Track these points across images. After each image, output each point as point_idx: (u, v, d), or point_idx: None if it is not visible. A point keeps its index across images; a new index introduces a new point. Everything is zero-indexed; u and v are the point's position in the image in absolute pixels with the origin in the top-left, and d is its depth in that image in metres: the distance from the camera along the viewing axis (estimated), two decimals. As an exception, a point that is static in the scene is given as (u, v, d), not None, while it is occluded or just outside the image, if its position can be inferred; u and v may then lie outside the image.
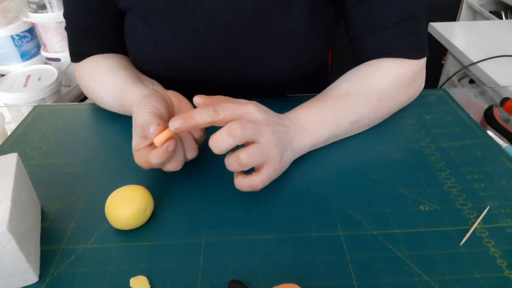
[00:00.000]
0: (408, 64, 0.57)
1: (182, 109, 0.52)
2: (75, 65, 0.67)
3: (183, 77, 0.63)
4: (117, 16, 0.63)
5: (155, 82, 0.58)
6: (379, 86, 0.55)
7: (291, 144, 0.48)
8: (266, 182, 0.45)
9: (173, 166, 0.47)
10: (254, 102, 0.45)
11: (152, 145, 0.46)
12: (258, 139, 0.43)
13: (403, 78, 0.57)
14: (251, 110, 0.44)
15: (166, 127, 0.44)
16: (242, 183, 0.45)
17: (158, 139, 0.44)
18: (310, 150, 0.52)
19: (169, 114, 0.50)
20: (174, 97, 0.52)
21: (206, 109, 0.42)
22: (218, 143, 0.42)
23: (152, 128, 0.44)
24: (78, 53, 0.65)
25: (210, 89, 0.65)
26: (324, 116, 0.52)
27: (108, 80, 0.59)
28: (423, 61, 0.59)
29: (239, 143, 0.42)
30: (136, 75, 0.60)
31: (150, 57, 0.62)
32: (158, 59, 0.61)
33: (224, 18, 0.57)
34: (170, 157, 0.45)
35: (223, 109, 0.42)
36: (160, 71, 0.63)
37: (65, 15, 0.64)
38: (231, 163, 0.44)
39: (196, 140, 0.49)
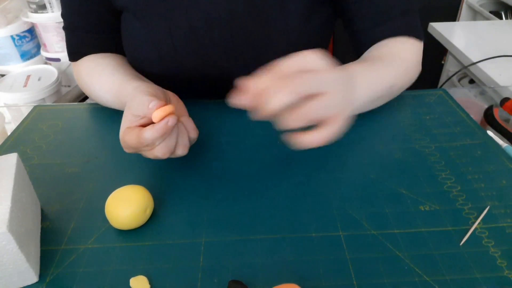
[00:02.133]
0: (417, 44, 0.59)
1: (178, 111, 0.52)
2: (73, 63, 0.67)
3: (180, 75, 0.63)
4: (114, 16, 0.63)
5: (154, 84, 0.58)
6: (404, 55, 0.57)
7: (353, 92, 0.42)
8: (342, 131, 0.38)
9: (161, 151, 0.43)
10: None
11: (143, 126, 0.44)
12: (325, 90, 0.36)
13: (415, 55, 0.59)
14: (309, 60, 0.37)
15: (165, 104, 0.43)
16: (317, 137, 0.37)
17: (157, 114, 0.42)
18: (360, 110, 0.52)
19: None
20: (173, 97, 0.52)
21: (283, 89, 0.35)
22: (274, 97, 0.34)
23: (152, 103, 0.42)
24: (76, 53, 0.65)
25: (207, 87, 0.65)
26: (373, 72, 0.51)
27: (107, 77, 0.59)
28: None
29: (297, 96, 0.35)
30: (136, 73, 0.61)
31: (147, 55, 0.62)
32: (155, 58, 0.62)
33: (220, 15, 0.58)
34: (166, 134, 0.43)
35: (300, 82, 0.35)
36: (157, 70, 0.63)
37: (63, 15, 0.65)
38: (296, 116, 0.35)
39: (189, 139, 0.47)
